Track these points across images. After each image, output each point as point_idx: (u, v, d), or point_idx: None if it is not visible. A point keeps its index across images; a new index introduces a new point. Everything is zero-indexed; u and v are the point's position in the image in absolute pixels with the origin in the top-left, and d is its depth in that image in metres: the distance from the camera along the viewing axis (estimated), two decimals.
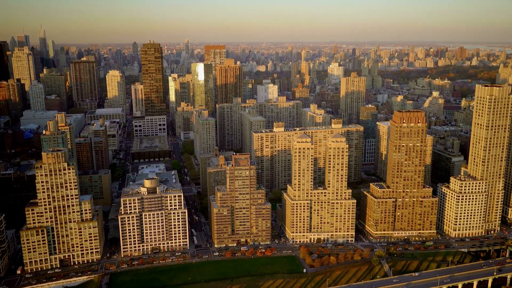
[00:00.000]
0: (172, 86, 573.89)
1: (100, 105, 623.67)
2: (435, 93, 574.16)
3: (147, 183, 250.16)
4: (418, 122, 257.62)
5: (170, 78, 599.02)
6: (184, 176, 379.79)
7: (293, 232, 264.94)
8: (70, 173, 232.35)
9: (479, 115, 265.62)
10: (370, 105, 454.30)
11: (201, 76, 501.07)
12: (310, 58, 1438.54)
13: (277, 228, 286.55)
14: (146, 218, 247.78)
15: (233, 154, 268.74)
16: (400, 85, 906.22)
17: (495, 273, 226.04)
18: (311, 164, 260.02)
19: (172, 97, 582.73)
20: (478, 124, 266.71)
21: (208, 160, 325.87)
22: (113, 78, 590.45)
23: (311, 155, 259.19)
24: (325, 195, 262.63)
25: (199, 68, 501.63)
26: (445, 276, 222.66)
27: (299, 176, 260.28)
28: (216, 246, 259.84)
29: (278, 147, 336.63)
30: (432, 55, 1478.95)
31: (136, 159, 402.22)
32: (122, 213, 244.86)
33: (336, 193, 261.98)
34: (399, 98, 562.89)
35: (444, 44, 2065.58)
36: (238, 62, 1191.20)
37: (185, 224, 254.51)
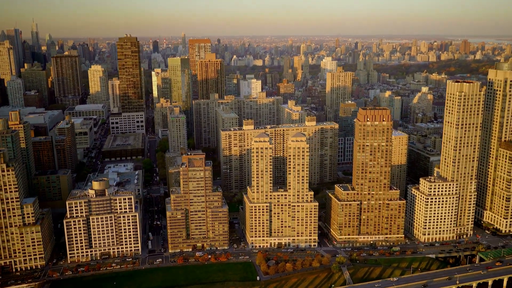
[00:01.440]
0: (155, 82, 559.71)
1: (83, 101, 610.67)
2: (424, 89, 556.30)
3: (95, 185, 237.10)
4: (383, 120, 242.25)
5: (153, 73, 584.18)
6: (155, 176, 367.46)
7: (252, 237, 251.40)
8: (9, 174, 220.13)
9: (449, 113, 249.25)
10: (350, 101, 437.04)
11: (177, 71, 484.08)
12: (311, 52, 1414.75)
13: (239, 232, 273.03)
14: (94, 222, 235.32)
15: (187, 154, 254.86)
16: (397, 80, 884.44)
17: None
18: (270, 164, 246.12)
19: (155, 92, 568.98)
20: (448, 122, 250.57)
21: (174, 160, 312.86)
22: (95, 73, 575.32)
23: (270, 155, 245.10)
24: (285, 198, 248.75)
25: (176, 63, 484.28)
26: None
27: (257, 177, 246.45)
28: (170, 251, 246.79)
29: (247, 145, 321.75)
30: (436, 49, 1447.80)
31: (107, 157, 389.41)
32: (68, 216, 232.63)
33: (297, 195, 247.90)
34: (387, 93, 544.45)
35: (450, 37, 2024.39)
36: (234, 56, 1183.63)
37: (136, 228, 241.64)
